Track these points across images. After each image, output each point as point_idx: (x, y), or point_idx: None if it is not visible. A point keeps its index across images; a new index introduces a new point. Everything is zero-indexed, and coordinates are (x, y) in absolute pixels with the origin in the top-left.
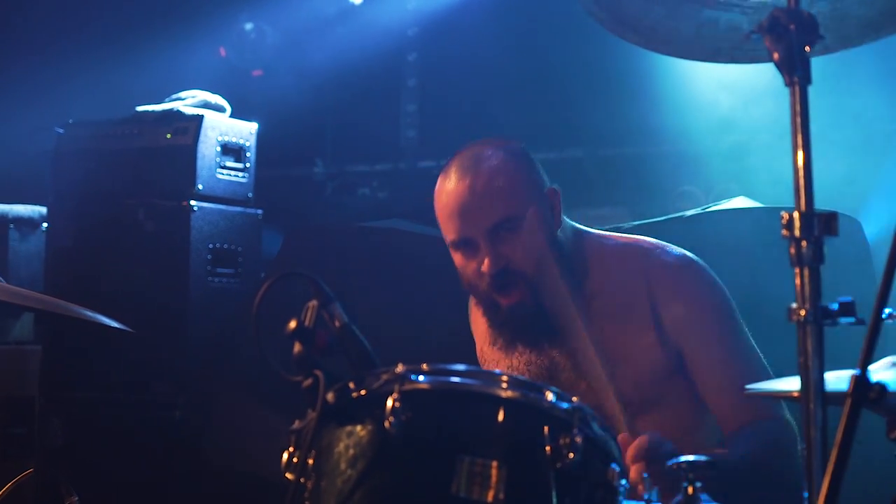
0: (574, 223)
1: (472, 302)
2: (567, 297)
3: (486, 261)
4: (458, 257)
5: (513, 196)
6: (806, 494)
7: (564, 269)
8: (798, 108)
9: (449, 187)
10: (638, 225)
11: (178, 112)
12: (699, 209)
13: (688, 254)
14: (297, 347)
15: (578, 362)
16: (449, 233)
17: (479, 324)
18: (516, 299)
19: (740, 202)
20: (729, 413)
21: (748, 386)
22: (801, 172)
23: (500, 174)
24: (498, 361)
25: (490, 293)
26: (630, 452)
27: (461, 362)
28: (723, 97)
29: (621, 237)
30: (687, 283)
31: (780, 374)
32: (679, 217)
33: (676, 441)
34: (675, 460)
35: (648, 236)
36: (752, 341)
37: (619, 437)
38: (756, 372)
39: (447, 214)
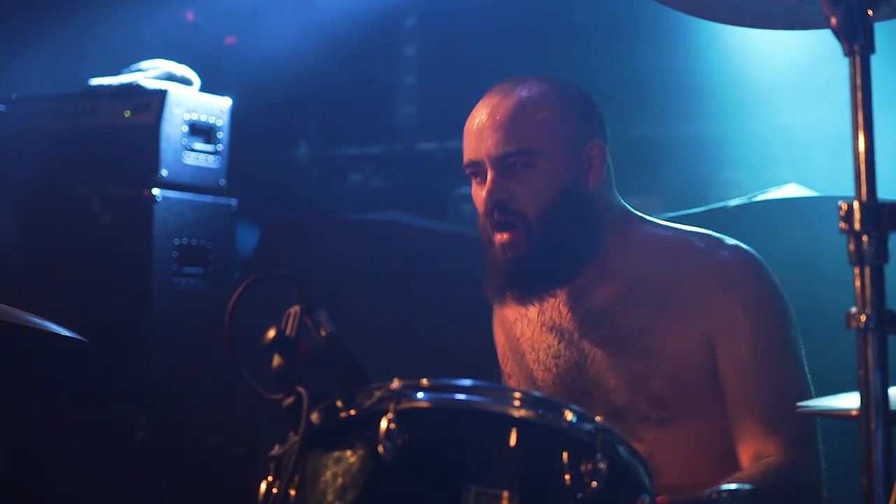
0: (624, 202)
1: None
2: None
3: (487, 188)
4: (473, 189)
5: (536, 130)
6: None
7: (585, 236)
8: (859, 81)
9: (477, 110)
10: (673, 217)
11: (139, 86)
12: (744, 198)
13: (744, 247)
14: (276, 360)
15: (609, 354)
16: (465, 156)
17: (504, 315)
18: (508, 240)
19: (792, 190)
20: (748, 438)
21: (800, 403)
22: (863, 156)
23: (531, 103)
24: (522, 356)
25: (490, 231)
26: None
27: (470, 376)
28: (772, 69)
29: (672, 226)
30: (736, 280)
31: (839, 390)
32: (721, 208)
33: (716, 461)
34: (716, 489)
35: None
36: (804, 363)
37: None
38: (797, 397)
39: (466, 136)
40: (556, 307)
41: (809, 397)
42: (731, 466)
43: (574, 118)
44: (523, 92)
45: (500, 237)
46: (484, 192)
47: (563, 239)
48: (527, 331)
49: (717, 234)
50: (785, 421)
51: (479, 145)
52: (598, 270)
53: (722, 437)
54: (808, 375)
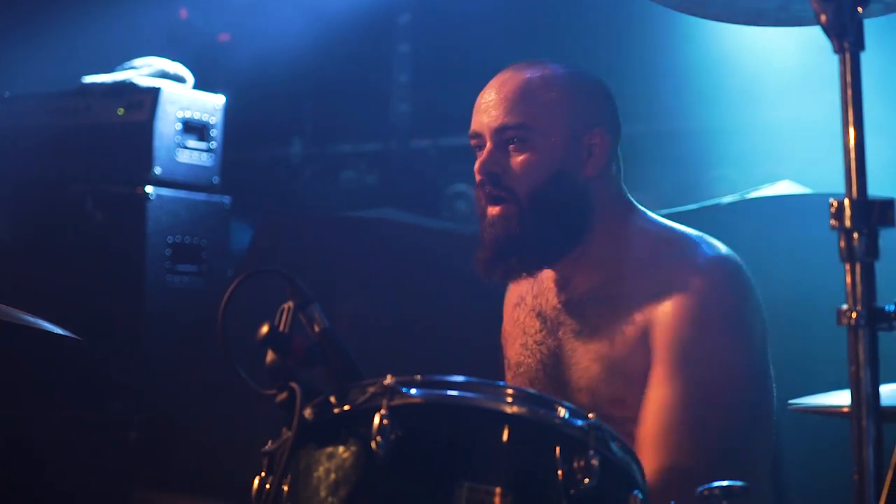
0: (628, 195)
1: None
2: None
3: (479, 161)
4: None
5: (538, 108)
6: None
7: (574, 222)
8: (849, 78)
9: (490, 83)
10: (665, 214)
11: (132, 83)
12: (737, 195)
13: (729, 255)
14: (270, 356)
15: (576, 347)
16: (471, 127)
17: (508, 299)
18: (497, 214)
19: (785, 187)
20: (646, 447)
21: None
22: (853, 153)
23: (536, 83)
24: (515, 339)
25: (483, 203)
26: None
27: (464, 373)
28: (765, 65)
29: (667, 223)
30: (694, 280)
31: (833, 387)
32: (714, 205)
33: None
34: (708, 486)
35: None
36: (754, 384)
37: None
38: (711, 408)
39: (475, 107)
40: (545, 293)
41: (746, 423)
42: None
43: (579, 104)
44: (533, 72)
45: (492, 210)
46: (478, 162)
47: (549, 221)
48: (521, 314)
49: (710, 239)
50: (684, 432)
51: (482, 117)
52: (585, 260)
53: None
54: (766, 401)
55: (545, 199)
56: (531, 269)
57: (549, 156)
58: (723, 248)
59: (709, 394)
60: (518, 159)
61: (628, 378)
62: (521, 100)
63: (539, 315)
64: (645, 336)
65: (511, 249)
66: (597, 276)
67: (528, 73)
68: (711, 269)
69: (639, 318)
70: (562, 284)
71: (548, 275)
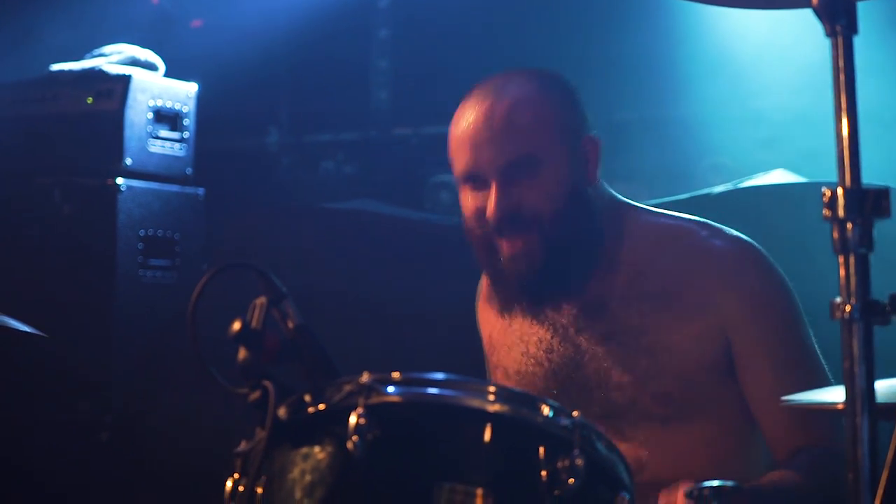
0: (613, 191)
1: (482, 282)
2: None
3: (492, 202)
4: (463, 194)
5: (536, 133)
6: None
7: (592, 235)
8: (841, 63)
9: (465, 112)
10: (657, 204)
11: (101, 71)
12: (730, 184)
13: (744, 237)
14: (242, 353)
15: (610, 349)
16: (457, 164)
17: (489, 305)
18: (521, 248)
19: (779, 176)
20: (779, 433)
21: (785, 397)
22: (846, 141)
23: (525, 105)
24: (510, 348)
25: (489, 237)
26: None
27: (446, 370)
28: (759, 50)
29: (668, 214)
30: (742, 272)
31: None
32: (706, 195)
33: (722, 461)
34: (698, 486)
35: None
36: (816, 348)
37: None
38: (817, 383)
39: (457, 143)
40: None
41: (827, 380)
42: (735, 465)
43: (568, 114)
44: (515, 92)
45: (511, 246)
46: (491, 205)
47: (575, 239)
48: (515, 322)
49: (715, 223)
50: (811, 412)
51: (478, 155)
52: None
53: (726, 435)
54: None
55: (569, 218)
56: (565, 294)
57: (559, 176)
58: (729, 230)
59: (809, 366)
60: (531, 189)
61: (682, 375)
62: (517, 128)
63: (545, 322)
64: (713, 331)
65: (542, 280)
66: (615, 276)
67: (511, 96)
68: (748, 252)
69: (701, 312)
70: (572, 289)
71: None
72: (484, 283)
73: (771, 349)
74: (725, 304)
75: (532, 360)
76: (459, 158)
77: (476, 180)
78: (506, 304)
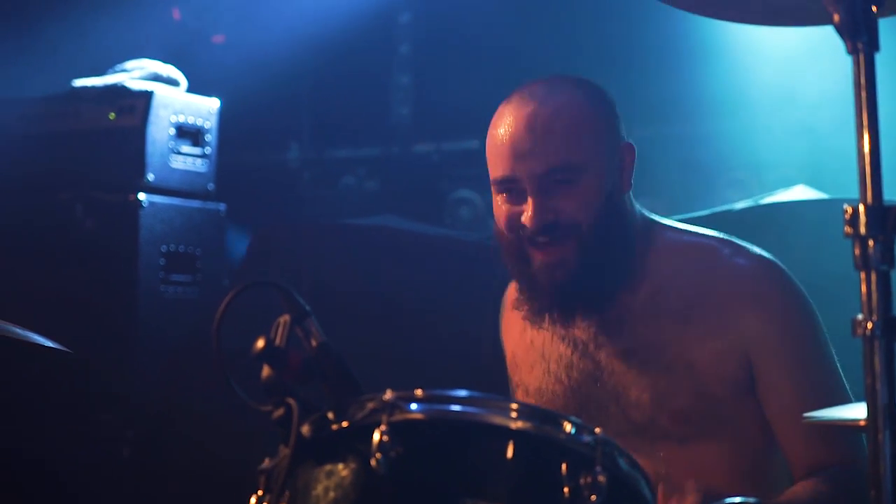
0: (640, 206)
1: (506, 297)
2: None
3: (530, 212)
4: (497, 199)
5: (577, 140)
6: None
7: (627, 244)
8: (863, 80)
9: (505, 116)
10: (678, 220)
11: (124, 87)
12: (751, 200)
13: (767, 255)
14: (266, 371)
15: (630, 366)
16: (494, 169)
17: (512, 323)
18: (557, 257)
19: (801, 192)
20: (800, 452)
21: (806, 414)
22: (868, 157)
23: (567, 111)
24: (532, 366)
25: (522, 244)
26: None
27: (467, 386)
28: (780, 66)
29: (693, 230)
30: (765, 291)
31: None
32: (727, 210)
33: (740, 480)
34: (721, 502)
35: None
36: (838, 367)
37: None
38: (838, 401)
39: (496, 148)
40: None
41: (848, 399)
42: (753, 484)
43: (607, 121)
44: (557, 98)
45: (546, 256)
46: (527, 216)
47: (610, 249)
48: (537, 339)
49: (739, 241)
50: (832, 428)
51: (518, 162)
52: None
53: (745, 453)
54: (841, 374)
55: (605, 229)
56: (600, 305)
57: (598, 184)
58: (753, 247)
59: (831, 385)
60: (570, 198)
61: (701, 394)
62: (561, 136)
63: (565, 339)
64: (734, 350)
65: (578, 290)
66: (636, 292)
67: (553, 103)
68: (772, 271)
69: (722, 331)
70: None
71: None
72: (510, 293)
73: (792, 368)
74: (747, 323)
75: (553, 377)
76: (497, 164)
77: (513, 187)
78: (537, 313)
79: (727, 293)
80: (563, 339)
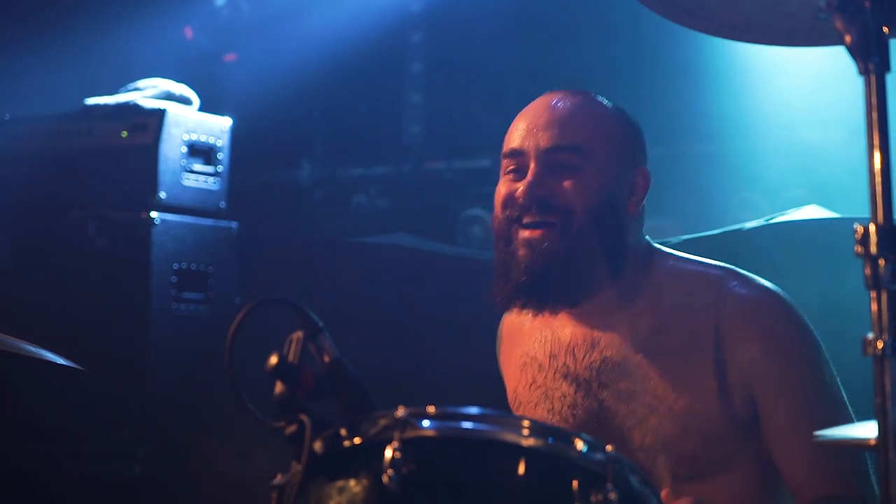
0: (648, 237)
1: (501, 329)
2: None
3: (528, 180)
4: (501, 183)
5: (591, 132)
6: None
7: (616, 257)
8: (874, 100)
9: (533, 103)
10: (688, 239)
11: (136, 105)
12: (762, 220)
13: (771, 287)
14: (279, 387)
15: (632, 410)
16: (506, 143)
17: (510, 359)
18: (540, 237)
19: (812, 212)
20: (803, 483)
21: (816, 432)
22: (879, 177)
23: (591, 108)
24: (536, 405)
25: (511, 225)
26: None
27: (478, 404)
28: (792, 86)
29: (696, 260)
30: (765, 322)
31: (863, 417)
32: (737, 230)
33: None
34: None
35: (700, 252)
36: (843, 397)
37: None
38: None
39: (513, 125)
40: (569, 351)
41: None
42: None
43: (627, 138)
44: (585, 98)
45: (530, 234)
46: (523, 185)
47: (600, 242)
48: (538, 377)
49: (743, 272)
50: (836, 459)
51: (528, 135)
52: (618, 311)
53: (752, 484)
54: (847, 405)
55: (600, 220)
56: (566, 300)
57: (600, 182)
58: (757, 278)
59: (838, 421)
60: (569, 182)
61: (707, 436)
62: (576, 123)
63: (567, 377)
64: (737, 387)
65: (549, 276)
66: (638, 328)
67: (581, 99)
68: (776, 304)
69: (726, 368)
70: (594, 341)
71: (569, 331)
72: (503, 326)
73: (794, 401)
74: (749, 356)
75: (558, 416)
76: (509, 139)
77: (516, 160)
78: (509, 297)
79: (729, 326)
80: (565, 377)
